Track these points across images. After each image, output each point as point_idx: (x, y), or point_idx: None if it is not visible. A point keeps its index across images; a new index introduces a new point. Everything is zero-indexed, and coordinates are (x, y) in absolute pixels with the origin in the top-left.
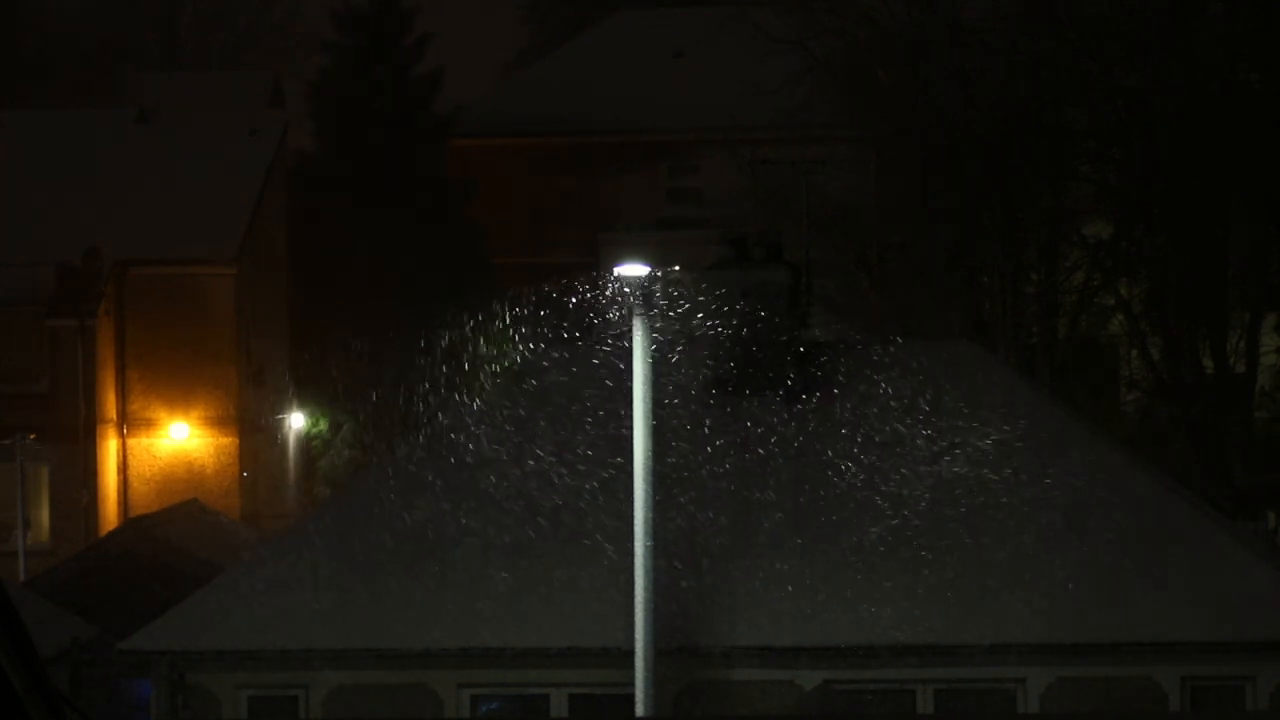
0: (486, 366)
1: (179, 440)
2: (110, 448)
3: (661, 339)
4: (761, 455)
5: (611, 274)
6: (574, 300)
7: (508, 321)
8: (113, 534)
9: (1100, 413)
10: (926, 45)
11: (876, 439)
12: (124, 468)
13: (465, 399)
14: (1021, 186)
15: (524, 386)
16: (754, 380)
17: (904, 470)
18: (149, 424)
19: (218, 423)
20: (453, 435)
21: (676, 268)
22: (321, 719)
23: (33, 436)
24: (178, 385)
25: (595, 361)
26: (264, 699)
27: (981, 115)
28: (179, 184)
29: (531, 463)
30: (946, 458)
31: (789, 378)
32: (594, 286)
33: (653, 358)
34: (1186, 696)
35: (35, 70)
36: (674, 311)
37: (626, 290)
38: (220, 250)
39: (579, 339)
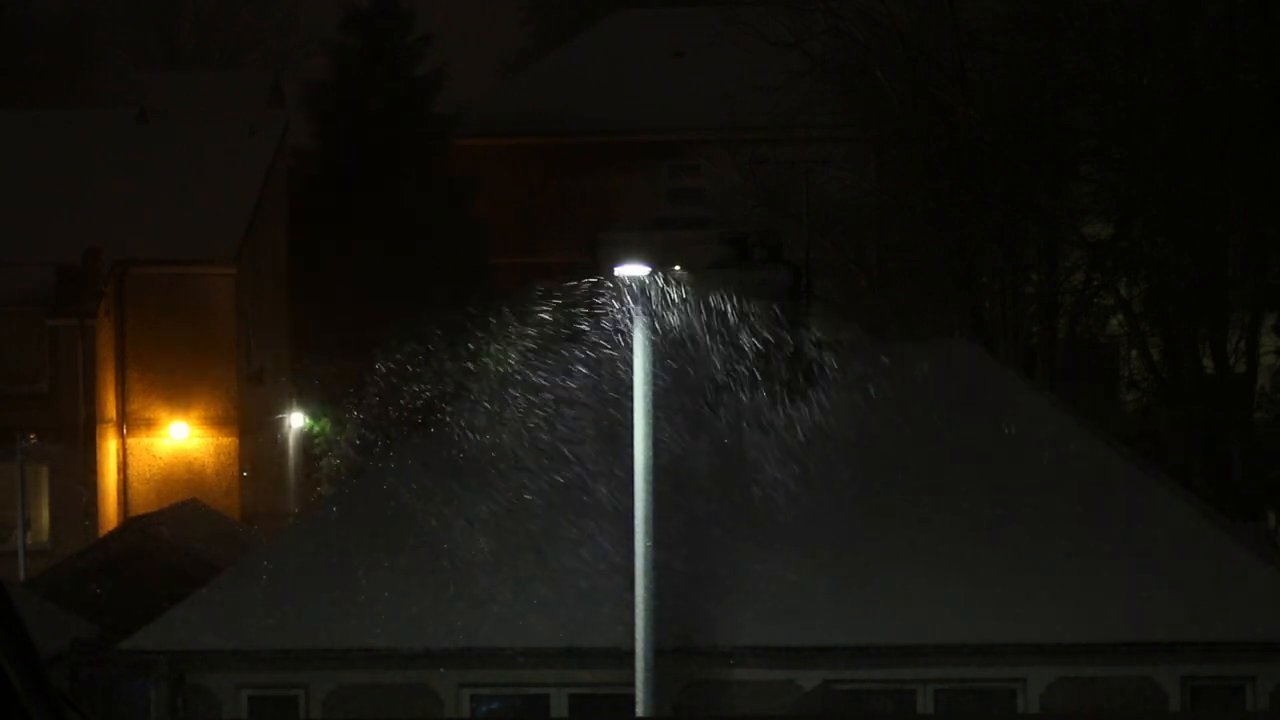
0: (486, 366)
1: (179, 440)
2: (110, 448)
3: (662, 339)
4: (761, 455)
5: (611, 274)
6: (574, 300)
7: (508, 321)
8: (113, 534)
9: (1100, 413)
10: (926, 45)
11: (876, 439)
12: (124, 468)
13: (464, 398)
14: (1021, 186)
15: (523, 386)
16: (754, 380)
17: (903, 470)
18: (149, 424)
19: (218, 423)
20: (452, 435)
21: (676, 268)
22: (321, 719)
23: (33, 436)
24: (178, 385)
25: (595, 361)
26: (264, 699)
27: (981, 115)
28: (179, 184)
29: (531, 462)
30: (946, 458)
31: (789, 377)
32: (594, 286)
33: (652, 357)
34: (1186, 696)
35: (35, 70)
36: (674, 311)
37: (626, 290)
38: (220, 250)
39: (579, 338)
